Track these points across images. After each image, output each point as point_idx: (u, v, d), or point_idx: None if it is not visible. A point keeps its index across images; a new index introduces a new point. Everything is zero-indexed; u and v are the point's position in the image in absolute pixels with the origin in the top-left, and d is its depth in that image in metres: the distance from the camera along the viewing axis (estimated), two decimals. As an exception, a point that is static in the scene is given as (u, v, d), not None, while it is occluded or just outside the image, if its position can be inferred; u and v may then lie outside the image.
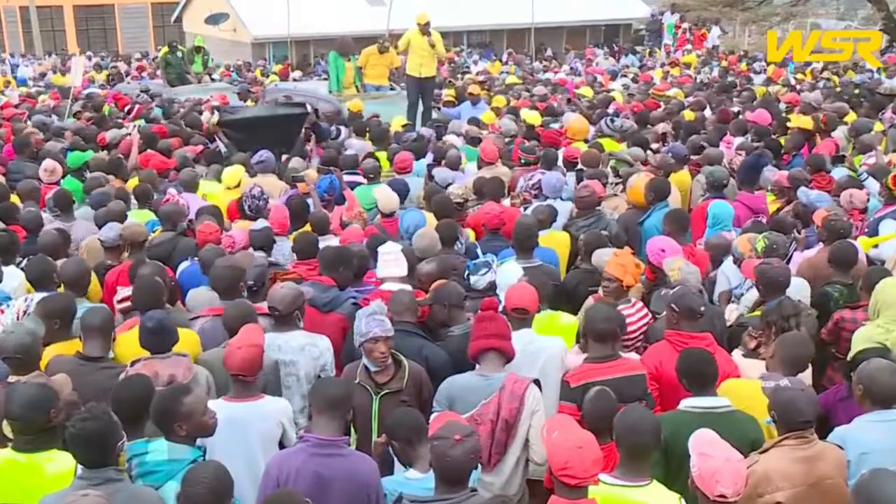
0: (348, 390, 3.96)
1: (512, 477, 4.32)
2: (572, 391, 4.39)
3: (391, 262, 5.48)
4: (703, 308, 4.80)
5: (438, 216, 6.79)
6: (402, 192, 7.65)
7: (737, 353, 4.92)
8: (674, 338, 4.77)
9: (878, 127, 10.82)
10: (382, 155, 9.47)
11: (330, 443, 3.74)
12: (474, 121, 11.34)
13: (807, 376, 4.81)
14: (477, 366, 4.45)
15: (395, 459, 3.95)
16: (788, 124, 10.31)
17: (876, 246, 6.57)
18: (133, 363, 4.40)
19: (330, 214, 7.12)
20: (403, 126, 11.87)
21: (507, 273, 5.41)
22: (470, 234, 6.81)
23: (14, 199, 7.83)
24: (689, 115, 11.87)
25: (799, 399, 3.79)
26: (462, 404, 4.25)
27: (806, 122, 10.05)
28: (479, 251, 6.19)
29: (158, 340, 4.48)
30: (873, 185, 7.77)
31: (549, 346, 4.82)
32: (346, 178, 8.51)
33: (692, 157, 9.08)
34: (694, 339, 4.69)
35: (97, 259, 6.43)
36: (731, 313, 5.71)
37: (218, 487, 3.21)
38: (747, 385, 4.43)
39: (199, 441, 3.80)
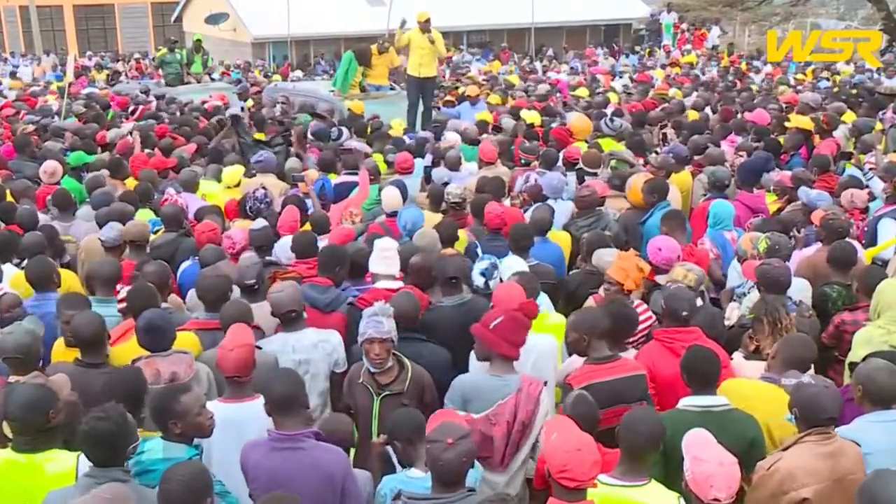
0: (292, 385, 3.84)
1: (517, 475, 4.31)
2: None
3: (386, 259, 5.47)
4: (685, 313, 4.77)
5: (475, 214, 6.79)
6: (403, 192, 7.62)
7: (738, 356, 4.90)
8: (661, 335, 4.80)
9: (877, 126, 10.82)
10: (379, 157, 9.48)
11: (288, 437, 3.72)
12: (481, 124, 11.29)
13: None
14: (487, 364, 4.42)
15: (395, 460, 3.94)
16: (787, 124, 10.31)
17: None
18: (135, 361, 4.39)
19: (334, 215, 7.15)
20: (404, 130, 11.89)
21: (511, 268, 5.47)
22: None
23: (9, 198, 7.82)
24: (692, 115, 11.87)
25: (823, 395, 3.77)
26: (478, 404, 4.22)
27: (805, 122, 10.06)
28: (479, 251, 6.18)
29: (152, 339, 4.47)
30: (877, 184, 7.76)
31: (540, 343, 4.81)
32: (345, 178, 8.53)
33: (695, 156, 9.09)
34: (681, 334, 4.71)
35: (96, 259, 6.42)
36: (732, 311, 5.71)
37: (193, 485, 3.18)
38: (747, 384, 4.43)
39: (196, 442, 3.80)
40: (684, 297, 4.88)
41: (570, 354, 5.18)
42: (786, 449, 3.81)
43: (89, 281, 5.74)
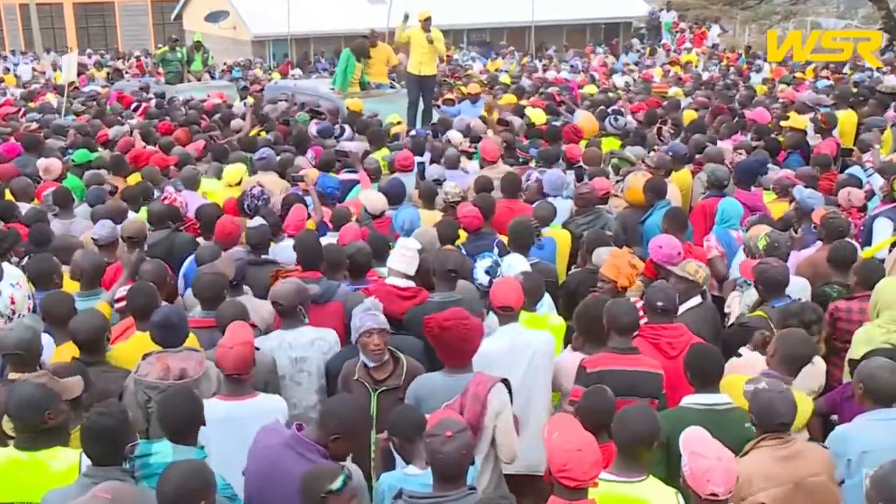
0: (353, 420, 3.71)
1: (480, 475, 4.18)
2: (588, 376, 4.40)
3: (405, 258, 5.41)
4: (660, 303, 4.80)
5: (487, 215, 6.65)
6: (401, 190, 7.58)
7: (746, 350, 4.88)
8: (647, 331, 4.80)
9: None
10: (378, 155, 9.46)
11: (307, 445, 3.65)
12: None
13: (819, 373, 4.82)
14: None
15: (397, 456, 3.94)
16: (783, 123, 10.29)
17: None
18: (145, 356, 4.38)
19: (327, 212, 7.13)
20: (397, 123, 11.89)
21: (513, 266, 5.47)
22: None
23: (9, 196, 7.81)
24: (691, 114, 11.87)
25: (776, 401, 3.76)
26: (431, 403, 4.18)
27: (799, 121, 10.04)
28: (463, 251, 6.08)
29: (165, 334, 4.47)
30: (878, 181, 7.76)
31: (536, 339, 4.80)
32: (344, 176, 8.51)
33: (697, 155, 9.10)
34: (667, 331, 4.75)
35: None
36: (734, 300, 5.69)
37: (188, 484, 3.14)
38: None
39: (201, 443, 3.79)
40: (662, 289, 4.91)
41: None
42: (743, 455, 3.79)
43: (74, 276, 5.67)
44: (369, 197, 7.24)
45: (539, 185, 7.66)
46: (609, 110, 11.53)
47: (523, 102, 13.32)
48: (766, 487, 3.68)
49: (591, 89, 14.98)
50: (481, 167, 8.76)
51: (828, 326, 5.40)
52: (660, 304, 4.80)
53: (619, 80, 16.40)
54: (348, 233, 6.35)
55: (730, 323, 5.58)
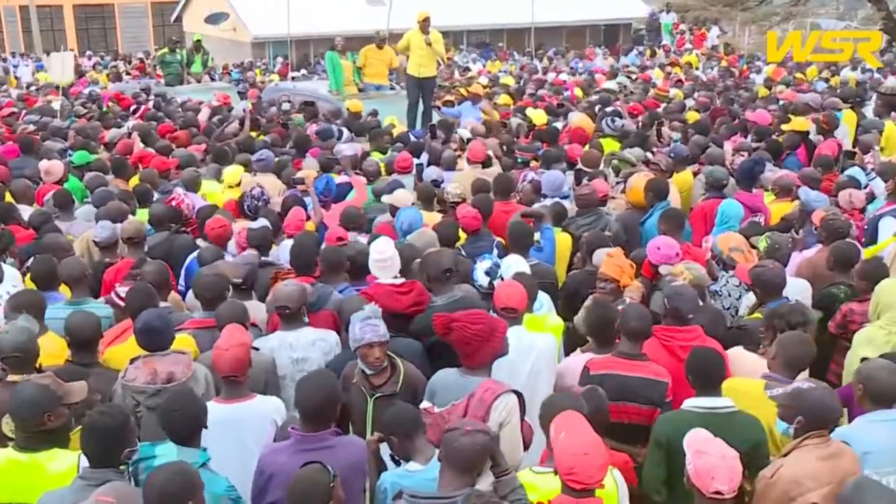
0: (330, 392, 3.85)
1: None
2: (590, 378, 4.41)
3: (384, 266, 5.35)
4: (691, 315, 4.76)
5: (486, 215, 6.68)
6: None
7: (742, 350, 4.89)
8: (661, 333, 4.76)
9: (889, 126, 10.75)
10: (377, 156, 9.47)
11: (315, 438, 3.73)
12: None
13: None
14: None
15: (389, 458, 3.94)
16: (784, 126, 10.27)
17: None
18: (132, 360, 4.38)
19: (327, 213, 7.13)
20: (393, 127, 11.91)
21: (511, 267, 5.46)
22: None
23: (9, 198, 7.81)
24: (693, 115, 11.86)
25: (828, 399, 3.76)
26: (442, 398, 4.19)
27: (801, 123, 10.04)
28: (462, 252, 6.10)
29: (149, 339, 4.45)
30: (879, 184, 7.75)
31: (539, 342, 4.79)
32: (339, 179, 8.51)
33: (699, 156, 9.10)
34: (681, 334, 4.70)
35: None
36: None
37: (170, 487, 3.14)
38: (751, 384, 4.39)
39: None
40: (689, 296, 4.84)
41: (566, 354, 5.20)
42: (785, 455, 3.78)
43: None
44: (396, 195, 7.26)
45: (534, 186, 7.65)
46: (607, 110, 11.52)
47: (520, 104, 13.33)
48: (814, 488, 3.66)
49: (578, 93, 14.94)
50: (468, 165, 8.76)
51: (838, 328, 5.40)
52: (690, 315, 4.75)
53: (612, 83, 16.33)
54: (329, 237, 6.22)
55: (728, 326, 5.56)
